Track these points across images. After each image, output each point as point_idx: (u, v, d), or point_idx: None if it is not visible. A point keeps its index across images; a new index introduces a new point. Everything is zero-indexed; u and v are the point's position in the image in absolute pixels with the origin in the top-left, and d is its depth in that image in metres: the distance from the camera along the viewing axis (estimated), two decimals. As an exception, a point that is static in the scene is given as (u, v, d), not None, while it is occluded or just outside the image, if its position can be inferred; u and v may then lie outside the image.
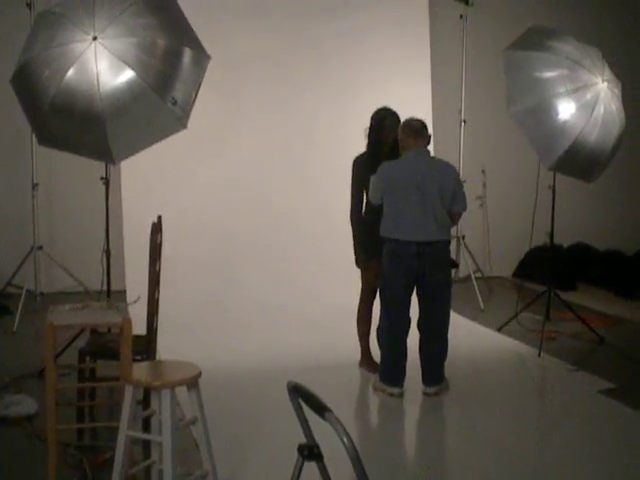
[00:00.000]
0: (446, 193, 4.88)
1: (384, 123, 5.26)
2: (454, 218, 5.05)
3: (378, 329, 5.14)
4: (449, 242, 5.05)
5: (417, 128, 4.95)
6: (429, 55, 7.80)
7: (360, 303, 5.48)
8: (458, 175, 5.09)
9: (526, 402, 5.12)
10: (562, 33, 6.11)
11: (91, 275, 6.36)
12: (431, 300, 4.95)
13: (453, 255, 7.52)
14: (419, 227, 4.83)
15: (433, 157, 5.12)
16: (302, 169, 7.35)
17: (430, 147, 5.11)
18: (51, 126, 4.74)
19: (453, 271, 6.89)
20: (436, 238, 4.87)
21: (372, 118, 5.35)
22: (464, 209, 5.04)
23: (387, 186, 4.88)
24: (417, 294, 4.99)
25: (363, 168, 5.21)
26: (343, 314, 5.85)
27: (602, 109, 5.76)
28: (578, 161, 5.85)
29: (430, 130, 5.15)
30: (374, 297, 5.35)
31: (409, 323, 5.00)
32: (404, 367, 5.00)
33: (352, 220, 5.32)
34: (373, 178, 4.98)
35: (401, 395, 4.98)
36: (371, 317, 5.45)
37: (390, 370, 5.02)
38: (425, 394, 5.01)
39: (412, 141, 4.93)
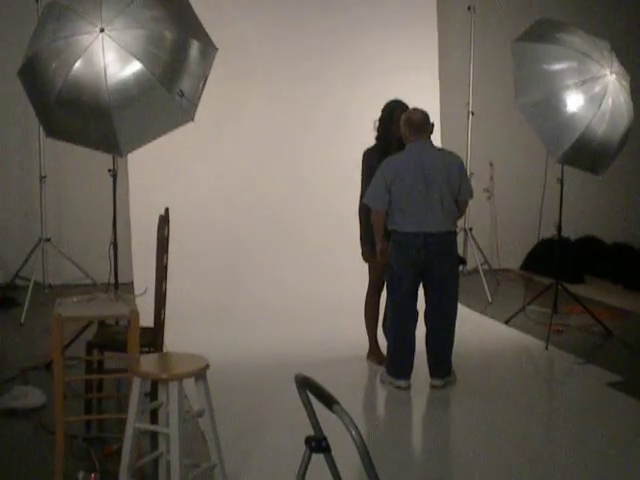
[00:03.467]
0: (453, 182, 4.87)
1: (393, 115, 5.24)
2: (461, 207, 5.04)
3: (385, 322, 5.14)
4: (456, 233, 5.04)
5: (417, 124, 4.90)
6: (437, 47, 7.77)
7: (367, 296, 5.48)
8: (463, 163, 5.08)
9: (533, 395, 5.11)
10: (570, 25, 6.09)
11: (99, 267, 6.38)
12: (438, 292, 4.94)
13: (460, 247, 7.52)
14: (426, 218, 4.82)
15: (436, 147, 5.09)
16: (309, 161, 7.34)
17: (437, 139, 5.10)
18: (58, 118, 4.75)
19: (461, 267, 6.89)
20: (443, 229, 4.86)
21: (382, 110, 5.33)
22: (471, 196, 5.04)
23: (392, 180, 4.84)
24: (424, 286, 4.99)
25: (373, 160, 5.19)
26: (351, 308, 5.86)
27: (610, 101, 5.74)
28: (586, 154, 5.83)
29: (437, 122, 5.11)
30: (381, 290, 5.34)
31: (416, 315, 5.00)
32: (412, 360, 5.00)
33: (360, 212, 5.31)
34: (376, 175, 4.93)
35: (408, 388, 4.98)
36: (378, 310, 5.45)
37: (397, 363, 5.01)
38: (432, 386, 5.01)
39: (412, 137, 4.91)
